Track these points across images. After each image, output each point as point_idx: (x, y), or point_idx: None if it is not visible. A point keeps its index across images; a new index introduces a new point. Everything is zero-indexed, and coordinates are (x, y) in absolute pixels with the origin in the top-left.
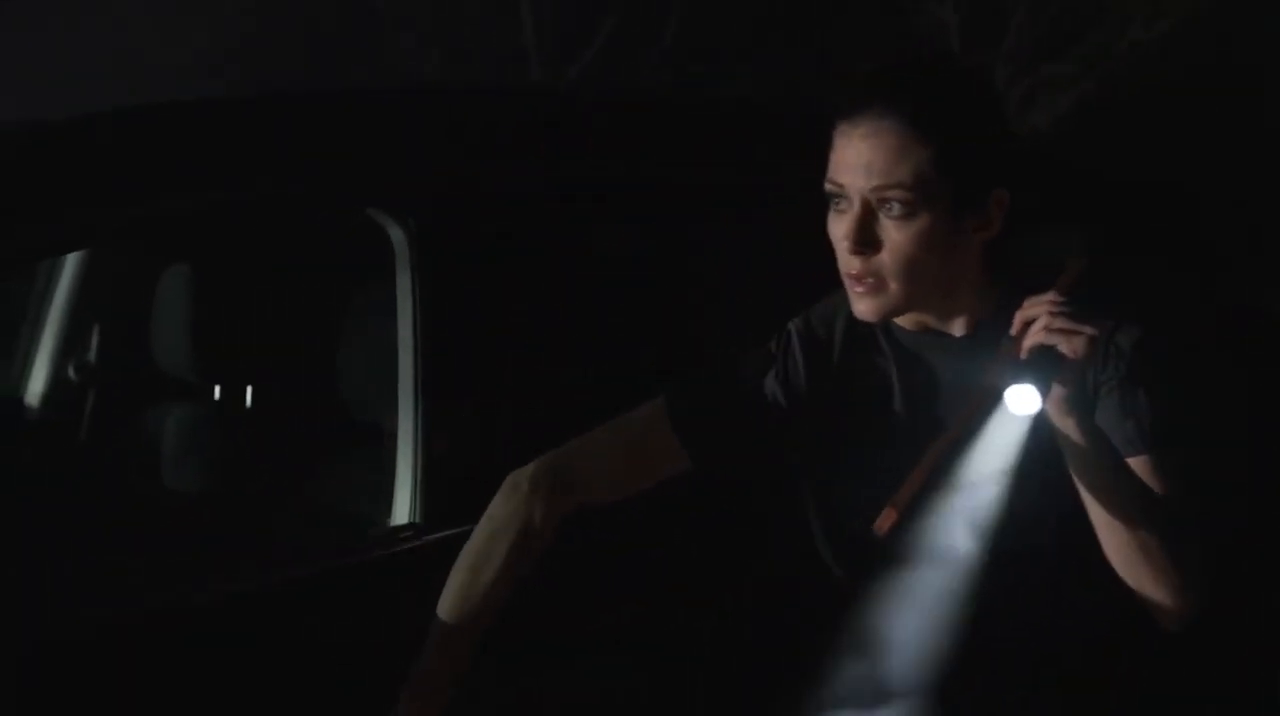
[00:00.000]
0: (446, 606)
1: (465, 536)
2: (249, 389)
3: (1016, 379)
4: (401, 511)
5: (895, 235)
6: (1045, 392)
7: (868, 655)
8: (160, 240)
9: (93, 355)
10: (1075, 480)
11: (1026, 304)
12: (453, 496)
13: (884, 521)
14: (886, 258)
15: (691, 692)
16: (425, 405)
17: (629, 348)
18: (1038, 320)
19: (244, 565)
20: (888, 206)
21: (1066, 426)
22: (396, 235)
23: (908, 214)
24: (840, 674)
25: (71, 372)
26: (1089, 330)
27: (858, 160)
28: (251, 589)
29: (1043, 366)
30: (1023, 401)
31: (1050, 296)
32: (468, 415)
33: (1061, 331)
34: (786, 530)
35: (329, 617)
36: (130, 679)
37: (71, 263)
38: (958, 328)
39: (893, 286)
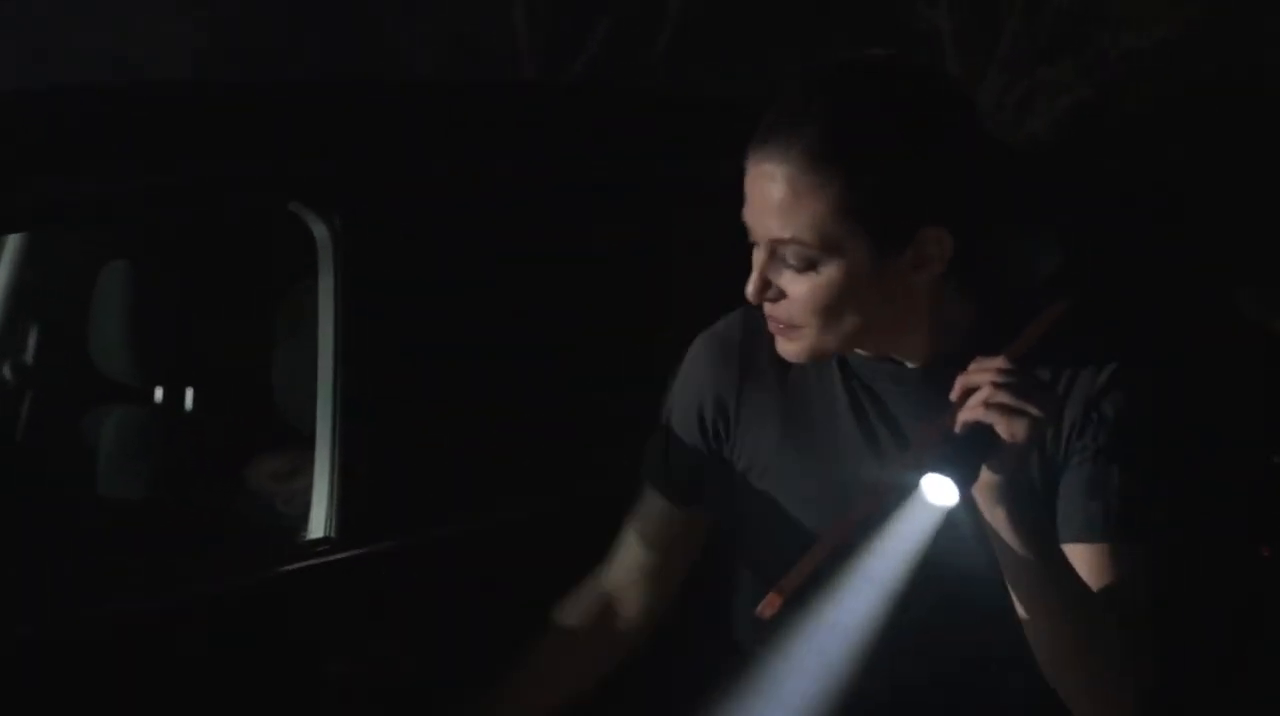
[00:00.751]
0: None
1: (382, 553)
2: (189, 392)
3: (938, 462)
4: (318, 524)
5: (797, 287)
6: (970, 478)
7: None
8: (95, 231)
9: (30, 355)
10: (1005, 575)
11: (973, 367)
12: (370, 511)
13: (766, 607)
14: (792, 307)
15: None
16: (345, 413)
17: (569, 356)
18: (978, 391)
19: (163, 577)
20: (786, 257)
21: (996, 518)
22: (320, 232)
23: (808, 266)
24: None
25: (7, 373)
26: (1034, 411)
27: (758, 203)
28: (165, 603)
29: (974, 447)
30: (940, 491)
31: (998, 362)
32: (389, 425)
33: (1001, 408)
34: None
35: (237, 634)
36: (46, 689)
37: (7, 260)
38: (914, 359)
39: (808, 332)
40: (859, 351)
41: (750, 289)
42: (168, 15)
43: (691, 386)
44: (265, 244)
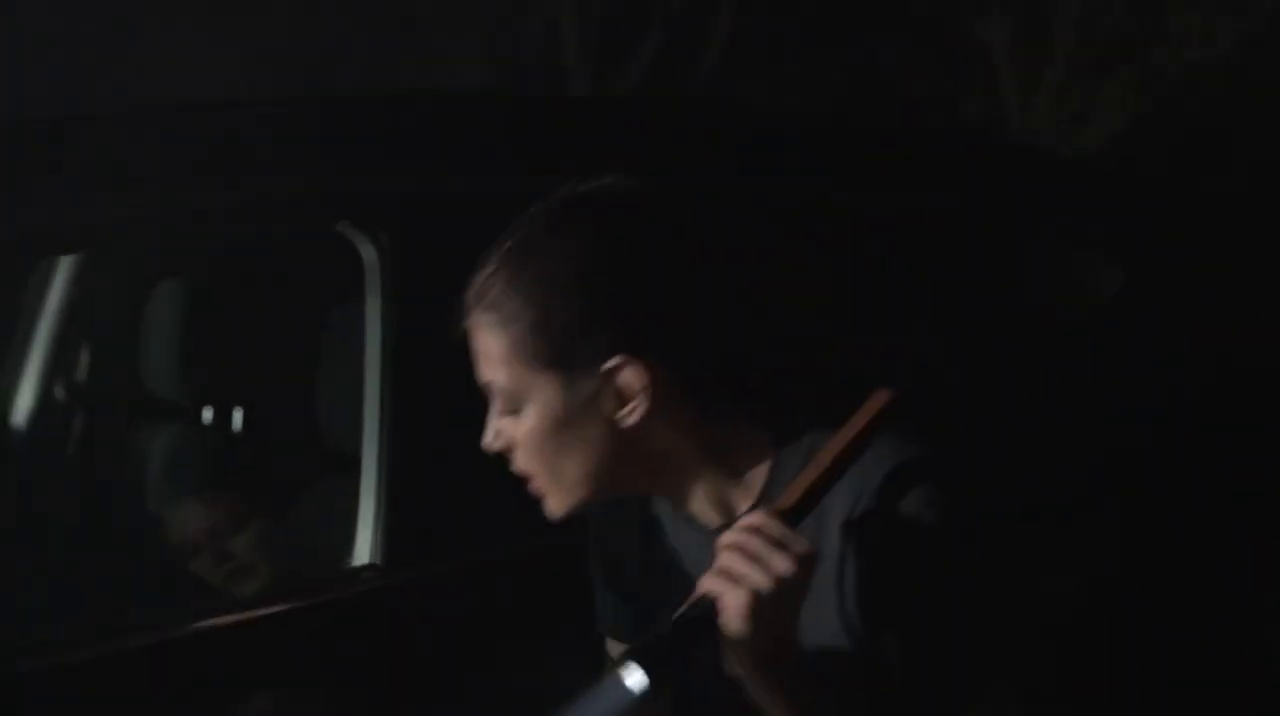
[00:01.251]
0: None
1: (428, 580)
2: (238, 412)
3: (641, 648)
4: (363, 551)
5: (514, 434)
6: (665, 671)
7: None
8: (145, 251)
9: (81, 374)
10: None
11: (739, 523)
12: (417, 537)
13: None
14: (518, 456)
15: None
16: (392, 437)
17: None
18: (720, 555)
19: (203, 601)
20: (501, 403)
21: (761, 695)
22: (367, 253)
23: (513, 410)
24: None
25: (59, 392)
26: (760, 580)
27: (472, 350)
28: (206, 626)
29: (696, 626)
30: (635, 675)
31: (755, 518)
32: (437, 449)
33: (727, 579)
34: None
35: (282, 660)
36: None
37: (61, 279)
38: (707, 515)
39: (542, 483)
40: (671, 509)
41: (484, 439)
42: (213, 29)
43: (591, 556)
44: (313, 265)
